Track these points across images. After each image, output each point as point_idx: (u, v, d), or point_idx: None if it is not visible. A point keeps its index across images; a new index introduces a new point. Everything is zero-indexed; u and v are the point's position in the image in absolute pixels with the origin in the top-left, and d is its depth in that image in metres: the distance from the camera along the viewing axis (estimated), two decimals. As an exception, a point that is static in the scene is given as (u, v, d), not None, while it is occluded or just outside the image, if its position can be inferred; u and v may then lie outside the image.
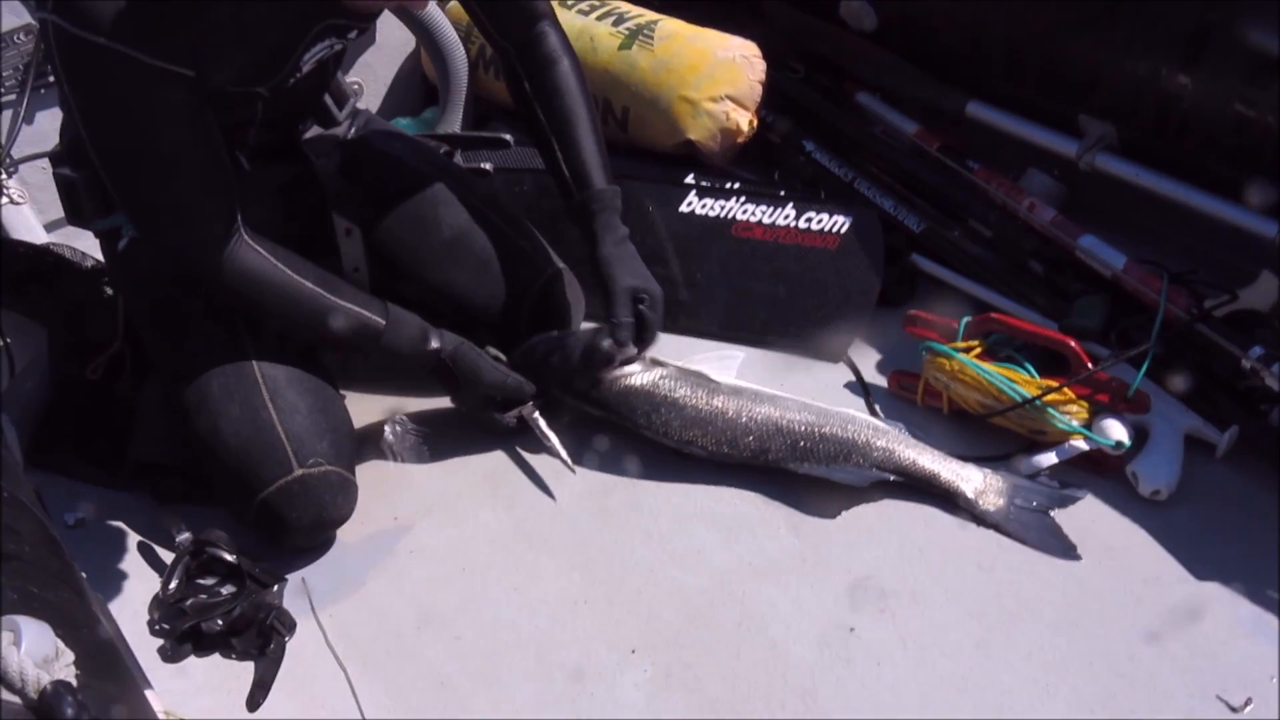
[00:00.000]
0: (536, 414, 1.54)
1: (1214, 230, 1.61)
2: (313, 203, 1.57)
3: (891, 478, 1.44)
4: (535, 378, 1.54)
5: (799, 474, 1.45)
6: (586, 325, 1.63)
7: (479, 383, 1.50)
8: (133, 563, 1.45)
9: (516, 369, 1.54)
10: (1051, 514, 1.40)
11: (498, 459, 1.57)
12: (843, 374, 1.66)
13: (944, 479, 1.43)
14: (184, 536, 1.42)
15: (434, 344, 1.47)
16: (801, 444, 1.45)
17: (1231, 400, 1.45)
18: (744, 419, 1.47)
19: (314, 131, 1.62)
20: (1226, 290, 1.51)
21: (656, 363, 1.54)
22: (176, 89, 1.23)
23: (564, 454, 1.53)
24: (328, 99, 1.62)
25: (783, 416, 1.47)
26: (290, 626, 1.35)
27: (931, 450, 1.46)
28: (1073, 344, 1.47)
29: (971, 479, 1.43)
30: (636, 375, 1.51)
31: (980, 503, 1.41)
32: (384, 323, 1.43)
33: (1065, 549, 1.36)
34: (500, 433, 1.57)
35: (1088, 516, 1.39)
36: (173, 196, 1.33)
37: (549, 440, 1.53)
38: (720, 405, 1.49)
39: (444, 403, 1.60)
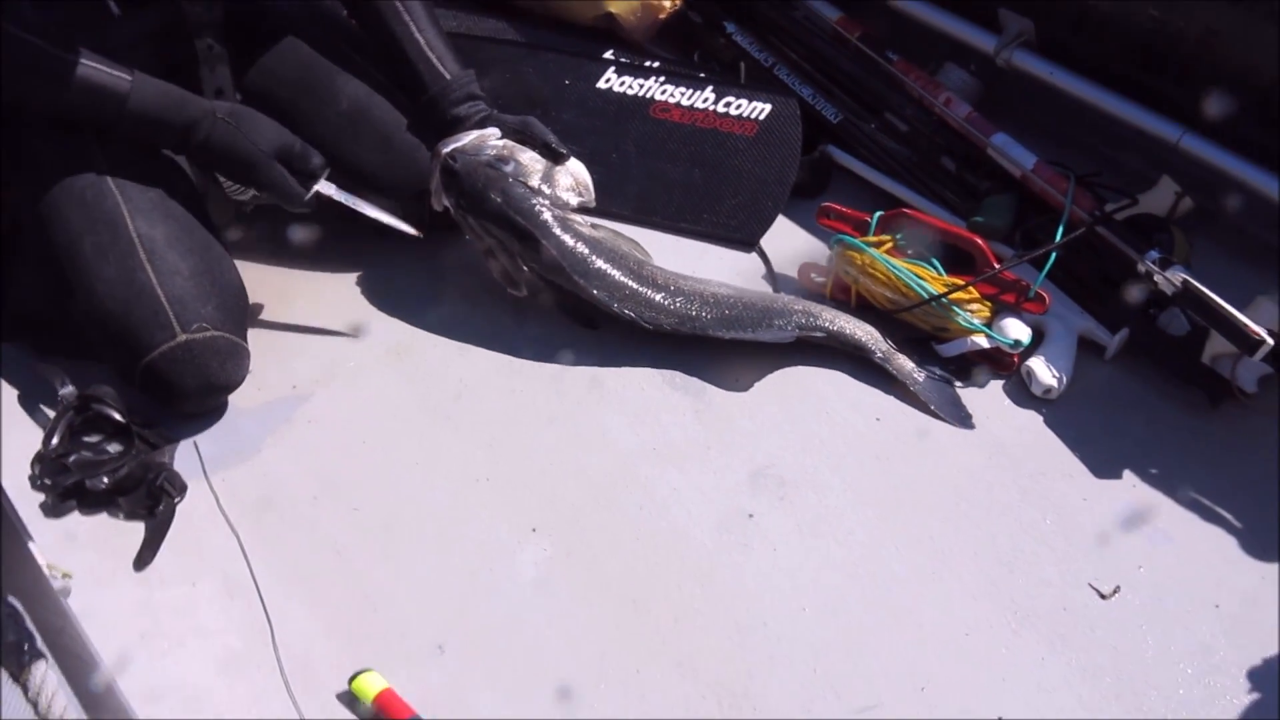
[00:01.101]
0: (331, 190, 1.44)
1: (1119, 133, 1.64)
2: (187, 57, 1.47)
3: (813, 335, 1.47)
4: (471, 207, 1.46)
5: (714, 351, 1.46)
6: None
7: (243, 165, 1.41)
8: (13, 416, 1.39)
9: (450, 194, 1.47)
10: (954, 384, 1.45)
11: (402, 329, 1.54)
12: (754, 263, 1.65)
13: (859, 337, 1.48)
14: (67, 390, 1.36)
15: (193, 111, 1.38)
16: (727, 312, 1.47)
17: (1123, 303, 1.49)
18: (673, 287, 1.48)
19: None
20: (1127, 194, 1.55)
21: (595, 226, 1.51)
22: None
23: (392, 221, 1.47)
24: None
25: (707, 288, 1.49)
26: (181, 489, 1.31)
27: (846, 314, 1.50)
28: (980, 242, 1.49)
29: (883, 341, 1.49)
30: (580, 228, 1.47)
31: (891, 360, 1.46)
32: (129, 79, 1.35)
33: (962, 417, 1.42)
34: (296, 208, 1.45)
35: (983, 412, 1.43)
36: None
37: (362, 208, 1.46)
38: (651, 273, 1.49)
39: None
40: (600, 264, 1.46)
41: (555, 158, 1.47)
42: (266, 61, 1.53)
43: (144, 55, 1.43)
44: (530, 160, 1.46)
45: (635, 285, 1.46)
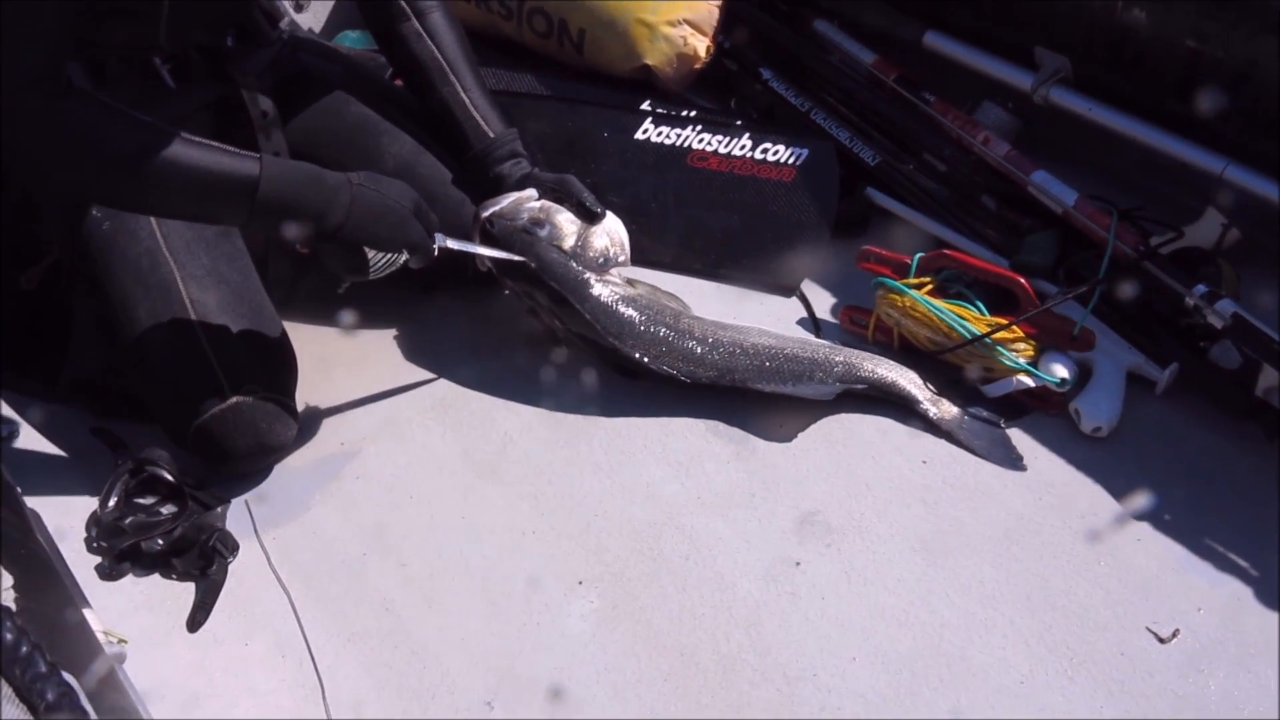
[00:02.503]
0: (448, 242, 1.40)
1: (1163, 167, 1.62)
2: (241, 126, 1.51)
3: (856, 387, 1.46)
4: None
5: (756, 400, 1.46)
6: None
7: (395, 226, 1.32)
8: (70, 479, 1.42)
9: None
10: (1000, 425, 1.43)
11: (446, 385, 1.55)
12: (795, 308, 1.65)
13: (902, 385, 1.47)
14: (123, 453, 1.39)
15: (331, 181, 1.28)
16: (766, 364, 1.46)
17: (1172, 337, 1.47)
18: (710, 339, 1.48)
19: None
20: (1172, 228, 1.53)
21: (631, 282, 1.52)
22: None
23: (499, 253, 1.45)
24: (260, 16, 1.55)
25: (746, 339, 1.48)
26: (233, 548, 1.34)
27: (889, 361, 1.49)
28: (1022, 281, 1.47)
29: (927, 389, 1.47)
30: (616, 285, 1.49)
31: (936, 409, 1.45)
32: (258, 160, 1.24)
33: (1013, 459, 1.40)
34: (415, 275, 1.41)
35: (1031, 453, 1.41)
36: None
37: (480, 250, 1.45)
38: (688, 325, 1.49)
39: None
40: (635, 323, 1.47)
41: (590, 218, 1.48)
42: (313, 123, 1.57)
43: (200, 126, 1.47)
44: (565, 222, 1.47)
45: (672, 341, 1.47)
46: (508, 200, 1.47)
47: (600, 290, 1.47)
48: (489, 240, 1.47)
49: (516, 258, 1.46)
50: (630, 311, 1.47)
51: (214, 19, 1.48)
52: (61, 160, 1.20)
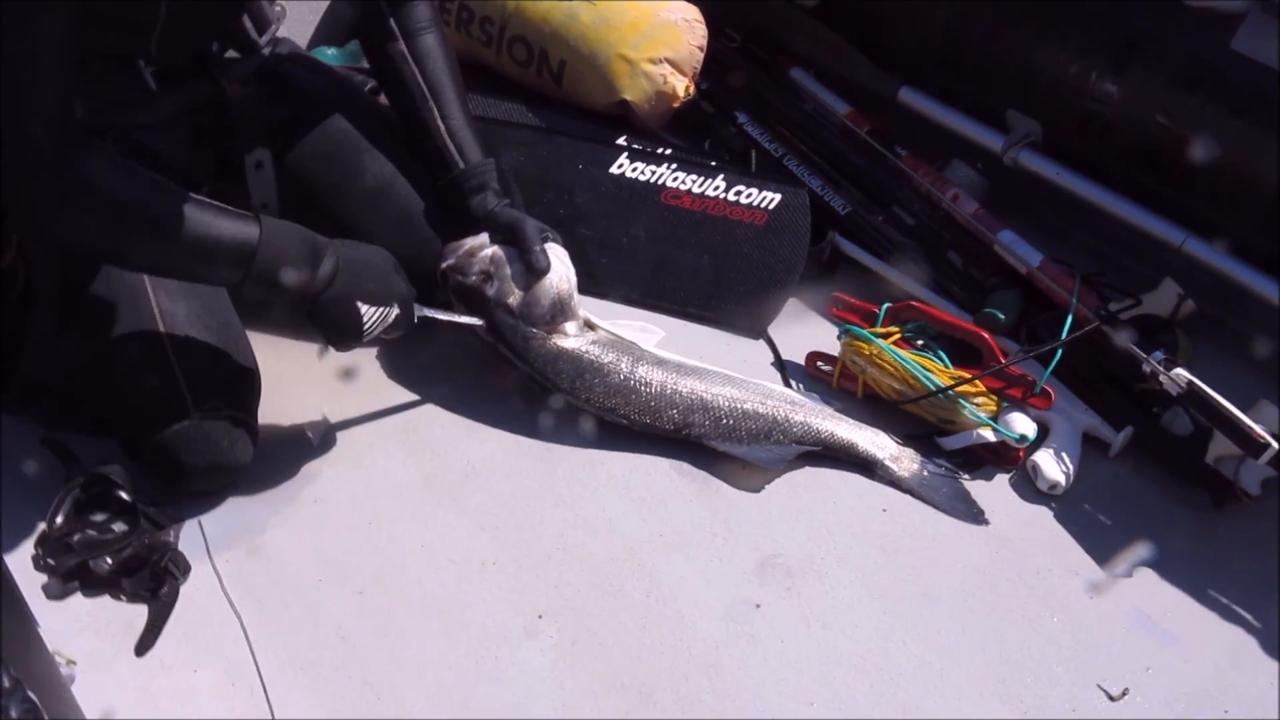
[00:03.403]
0: (424, 311, 1.41)
1: (1124, 235, 1.67)
2: (223, 131, 1.49)
3: (811, 449, 1.47)
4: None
5: (719, 450, 1.46)
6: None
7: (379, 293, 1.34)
8: (17, 492, 1.37)
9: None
10: (960, 479, 1.46)
11: (409, 410, 1.54)
12: (762, 350, 1.67)
13: (861, 447, 1.47)
14: (75, 467, 1.35)
15: (319, 244, 1.29)
16: (725, 421, 1.46)
17: (1128, 402, 1.50)
18: (668, 392, 1.47)
19: (231, 56, 1.54)
20: (1131, 295, 1.57)
21: (589, 325, 1.52)
22: None
23: (471, 320, 1.46)
24: (248, 23, 1.54)
25: (706, 390, 1.48)
26: (185, 570, 1.30)
27: (846, 420, 1.50)
28: (987, 337, 1.50)
29: (887, 447, 1.48)
30: (567, 338, 1.48)
31: (895, 468, 1.46)
32: (257, 225, 1.24)
33: (974, 514, 1.42)
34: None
35: (988, 507, 1.43)
36: (25, 43, 1.12)
37: (452, 318, 1.46)
38: (644, 375, 1.48)
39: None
40: (587, 378, 1.47)
41: (534, 274, 1.46)
42: (296, 136, 1.55)
43: (182, 130, 1.47)
44: (512, 276, 1.46)
45: (626, 394, 1.47)
46: (461, 249, 1.46)
47: (548, 348, 1.47)
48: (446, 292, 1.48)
49: (471, 321, 1.47)
50: (581, 367, 1.47)
51: (206, 31, 1.46)
52: (65, 212, 1.19)
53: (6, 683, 0.73)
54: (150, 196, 1.21)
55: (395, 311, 1.35)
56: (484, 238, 1.47)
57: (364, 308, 1.32)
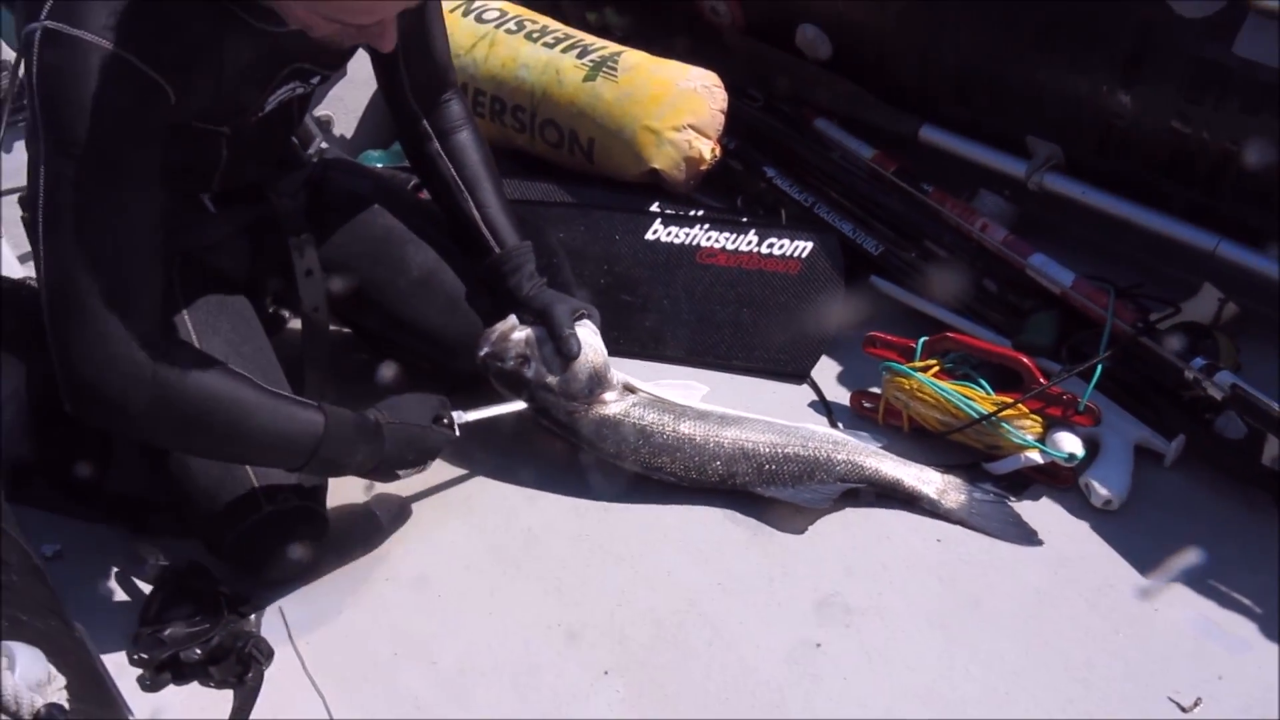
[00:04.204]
0: (462, 415, 1.49)
1: (1157, 245, 1.67)
2: (277, 243, 1.59)
3: (856, 486, 1.49)
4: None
5: (765, 496, 1.49)
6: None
7: (422, 452, 1.45)
8: (110, 594, 1.46)
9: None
10: (1009, 502, 1.46)
11: (469, 484, 1.60)
12: (807, 395, 1.70)
13: (907, 484, 1.49)
14: (162, 565, 1.44)
15: (368, 427, 1.38)
16: (767, 467, 1.49)
17: (1177, 410, 1.50)
18: (711, 444, 1.51)
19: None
20: (1170, 303, 1.57)
21: (628, 389, 1.57)
22: (155, 105, 1.19)
23: (511, 408, 1.53)
24: (294, 140, 1.65)
25: (748, 439, 1.51)
26: (268, 655, 1.37)
27: (891, 456, 1.52)
28: (1026, 360, 1.52)
29: (932, 480, 1.49)
30: (608, 405, 1.53)
31: (943, 501, 1.47)
32: (322, 418, 1.33)
33: (1027, 535, 1.43)
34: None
35: (1043, 528, 1.43)
36: (120, 240, 1.21)
37: (494, 413, 1.53)
38: (687, 432, 1.52)
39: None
40: (631, 442, 1.52)
41: (564, 359, 1.51)
42: (344, 236, 1.65)
43: (239, 247, 1.58)
44: (551, 355, 1.51)
45: (671, 452, 1.51)
46: (495, 335, 1.52)
47: (591, 418, 1.52)
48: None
49: (515, 407, 1.53)
50: (625, 432, 1.52)
51: (263, 162, 1.57)
52: (147, 426, 1.27)
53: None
54: (227, 400, 1.28)
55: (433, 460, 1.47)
56: (513, 320, 1.53)
57: (404, 471, 1.45)
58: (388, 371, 1.61)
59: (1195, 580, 1.35)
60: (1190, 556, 1.37)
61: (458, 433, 1.47)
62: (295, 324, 1.80)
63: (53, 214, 1.18)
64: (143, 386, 1.22)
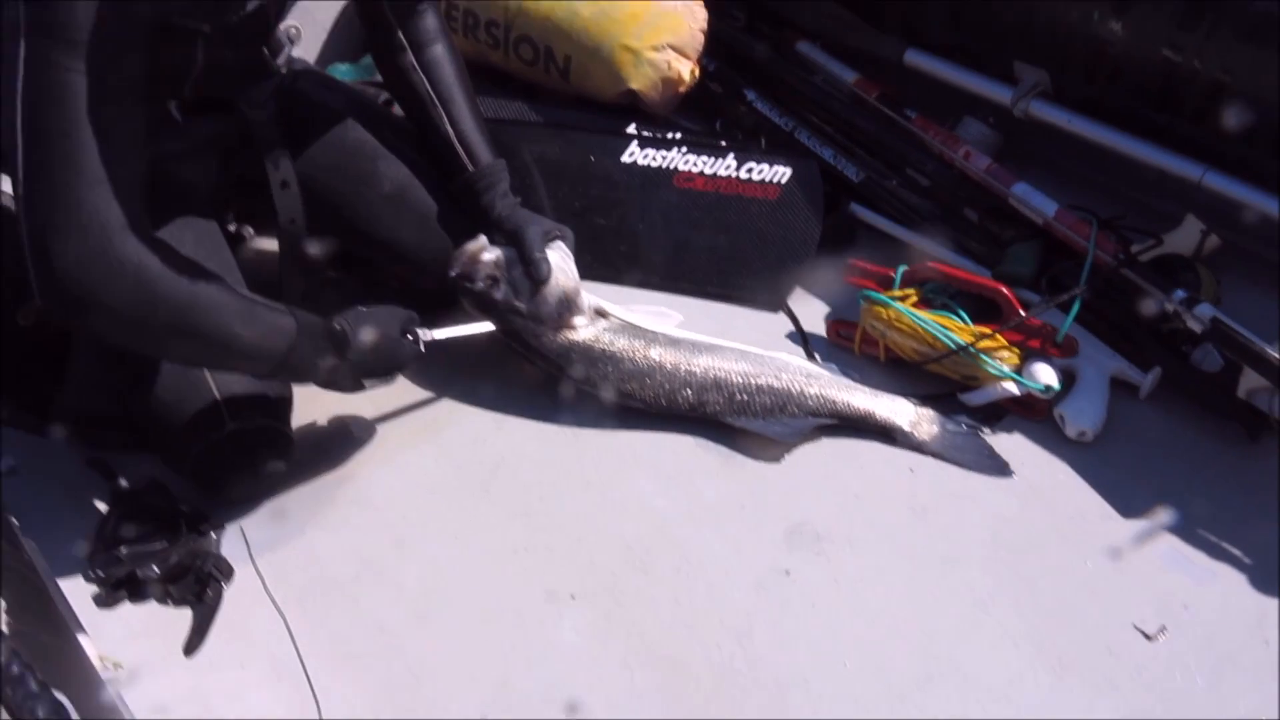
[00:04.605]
0: (429, 332, 1.45)
1: (1142, 175, 1.64)
2: (248, 155, 1.55)
3: (828, 422, 1.47)
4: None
5: (736, 426, 1.48)
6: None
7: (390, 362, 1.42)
8: (66, 510, 1.43)
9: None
10: (982, 434, 1.45)
11: (437, 406, 1.58)
12: (783, 323, 1.67)
13: (879, 415, 1.47)
14: (118, 482, 1.41)
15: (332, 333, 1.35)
16: (739, 397, 1.48)
17: (1154, 343, 1.48)
18: (682, 372, 1.49)
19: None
20: (1152, 235, 1.55)
21: (600, 314, 1.54)
22: None
23: (479, 328, 1.50)
24: (263, 49, 1.59)
25: (720, 368, 1.49)
26: (228, 573, 1.35)
27: (863, 389, 1.50)
28: (1005, 291, 1.49)
29: (904, 412, 1.47)
30: (578, 330, 1.51)
31: (915, 433, 1.45)
32: (293, 322, 1.30)
33: (999, 466, 1.42)
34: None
35: (1016, 459, 1.42)
36: (102, 123, 1.16)
37: (462, 332, 1.49)
38: (658, 358, 1.50)
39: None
40: (600, 367, 1.49)
41: (534, 283, 1.48)
42: (312, 150, 1.60)
43: (209, 157, 1.53)
44: (520, 277, 1.48)
45: (640, 379, 1.49)
46: (464, 256, 1.49)
47: (560, 342, 1.50)
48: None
49: (484, 327, 1.50)
50: (594, 356, 1.50)
51: (236, 71, 1.51)
52: (125, 307, 1.20)
53: (34, 686, 0.76)
54: (203, 298, 1.24)
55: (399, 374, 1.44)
56: (483, 240, 1.50)
57: (370, 382, 1.41)
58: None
59: (1166, 512, 1.34)
60: (1162, 488, 1.36)
61: (423, 349, 1.44)
62: (255, 244, 1.77)
63: (32, 99, 1.14)
64: (124, 280, 1.18)
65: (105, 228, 1.17)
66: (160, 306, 1.21)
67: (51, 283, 1.18)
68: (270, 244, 1.65)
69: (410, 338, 1.43)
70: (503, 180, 1.56)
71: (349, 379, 1.39)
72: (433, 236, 1.57)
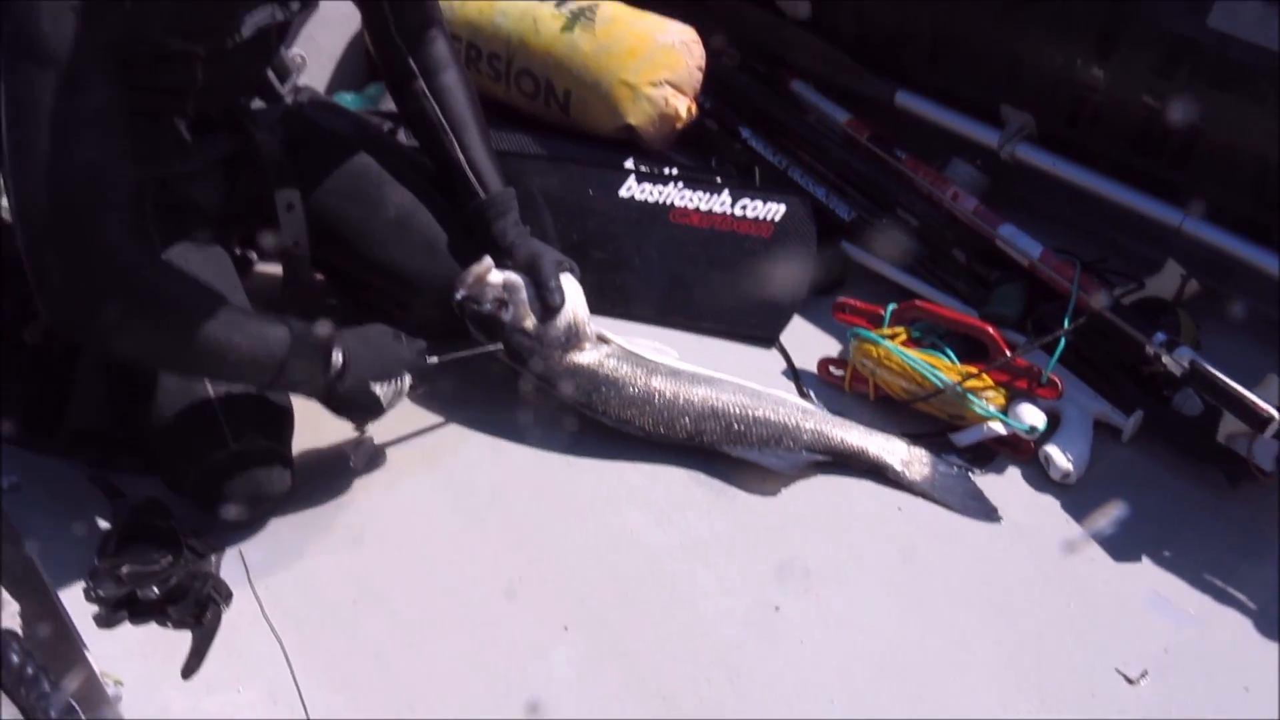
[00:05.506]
0: (434, 359, 1.47)
1: (1124, 219, 1.69)
2: (254, 176, 1.57)
3: (821, 458, 1.50)
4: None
5: (732, 456, 1.50)
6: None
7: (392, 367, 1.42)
8: (68, 528, 1.44)
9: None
10: (972, 476, 1.48)
11: (436, 435, 1.60)
12: (775, 359, 1.70)
13: (871, 453, 1.50)
14: (120, 502, 1.43)
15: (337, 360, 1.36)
16: (735, 427, 1.50)
17: (1136, 386, 1.52)
18: (681, 401, 1.51)
19: (257, 105, 1.62)
20: (1135, 278, 1.59)
21: (603, 339, 1.57)
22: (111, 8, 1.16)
23: (473, 350, 1.52)
24: (271, 74, 1.62)
25: (718, 399, 1.52)
26: (226, 596, 1.36)
27: (857, 426, 1.53)
28: (991, 331, 1.53)
29: (897, 451, 1.50)
30: (582, 355, 1.53)
31: (907, 473, 1.48)
32: (288, 333, 1.30)
33: (987, 511, 1.44)
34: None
35: (1002, 499, 1.46)
36: (88, 140, 1.18)
37: (470, 352, 1.52)
38: (658, 386, 1.52)
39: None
40: (602, 392, 1.52)
41: (548, 310, 1.51)
42: (319, 174, 1.62)
43: (216, 177, 1.56)
44: (526, 301, 1.51)
45: (640, 405, 1.51)
46: (471, 278, 1.51)
47: (564, 365, 1.53)
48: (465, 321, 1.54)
49: (489, 348, 1.53)
50: (597, 381, 1.52)
51: (238, 88, 1.54)
52: (122, 320, 1.23)
53: (46, 687, 0.78)
54: (200, 310, 1.26)
55: (407, 378, 1.43)
56: (489, 262, 1.52)
57: (377, 386, 1.40)
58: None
59: (1147, 555, 1.38)
60: (1143, 531, 1.40)
61: (430, 367, 1.46)
62: (261, 268, 1.79)
63: (15, 119, 1.16)
64: (119, 292, 1.21)
65: (98, 242, 1.19)
66: (154, 317, 1.24)
67: (52, 300, 1.21)
68: (274, 269, 1.67)
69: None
70: (513, 209, 1.59)
71: (351, 380, 1.38)
72: (437, 262, 1.60)
